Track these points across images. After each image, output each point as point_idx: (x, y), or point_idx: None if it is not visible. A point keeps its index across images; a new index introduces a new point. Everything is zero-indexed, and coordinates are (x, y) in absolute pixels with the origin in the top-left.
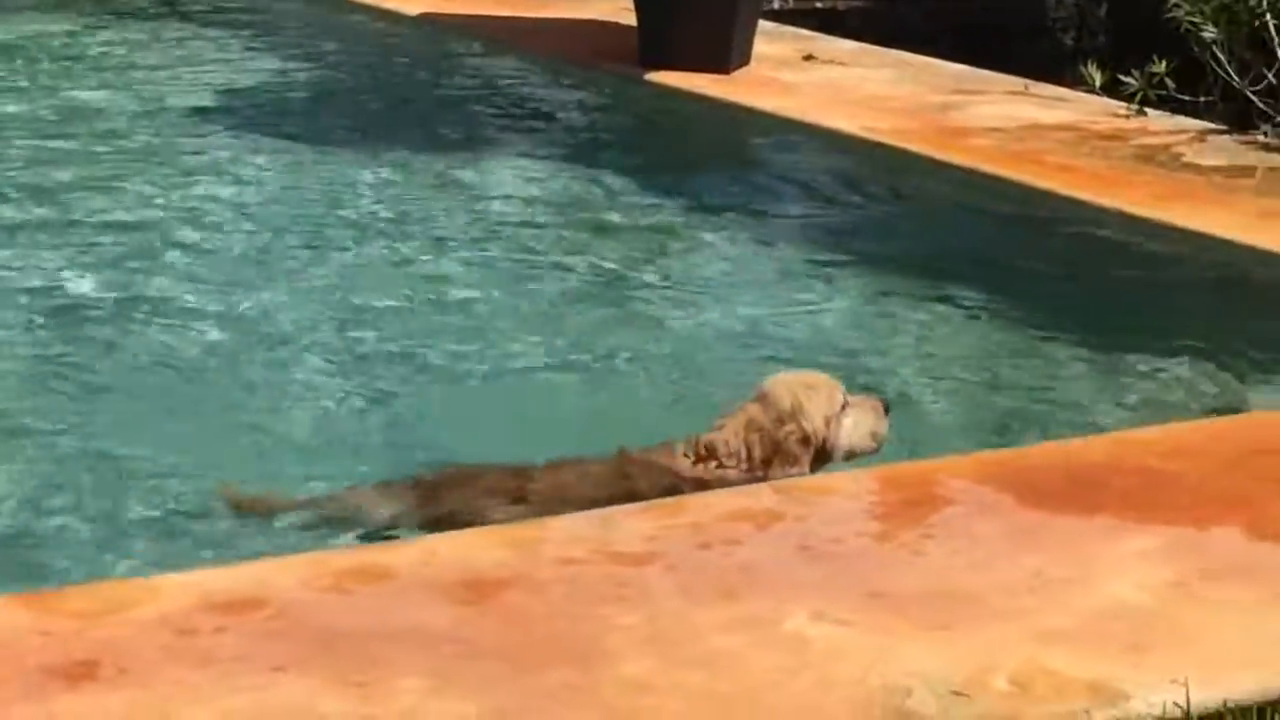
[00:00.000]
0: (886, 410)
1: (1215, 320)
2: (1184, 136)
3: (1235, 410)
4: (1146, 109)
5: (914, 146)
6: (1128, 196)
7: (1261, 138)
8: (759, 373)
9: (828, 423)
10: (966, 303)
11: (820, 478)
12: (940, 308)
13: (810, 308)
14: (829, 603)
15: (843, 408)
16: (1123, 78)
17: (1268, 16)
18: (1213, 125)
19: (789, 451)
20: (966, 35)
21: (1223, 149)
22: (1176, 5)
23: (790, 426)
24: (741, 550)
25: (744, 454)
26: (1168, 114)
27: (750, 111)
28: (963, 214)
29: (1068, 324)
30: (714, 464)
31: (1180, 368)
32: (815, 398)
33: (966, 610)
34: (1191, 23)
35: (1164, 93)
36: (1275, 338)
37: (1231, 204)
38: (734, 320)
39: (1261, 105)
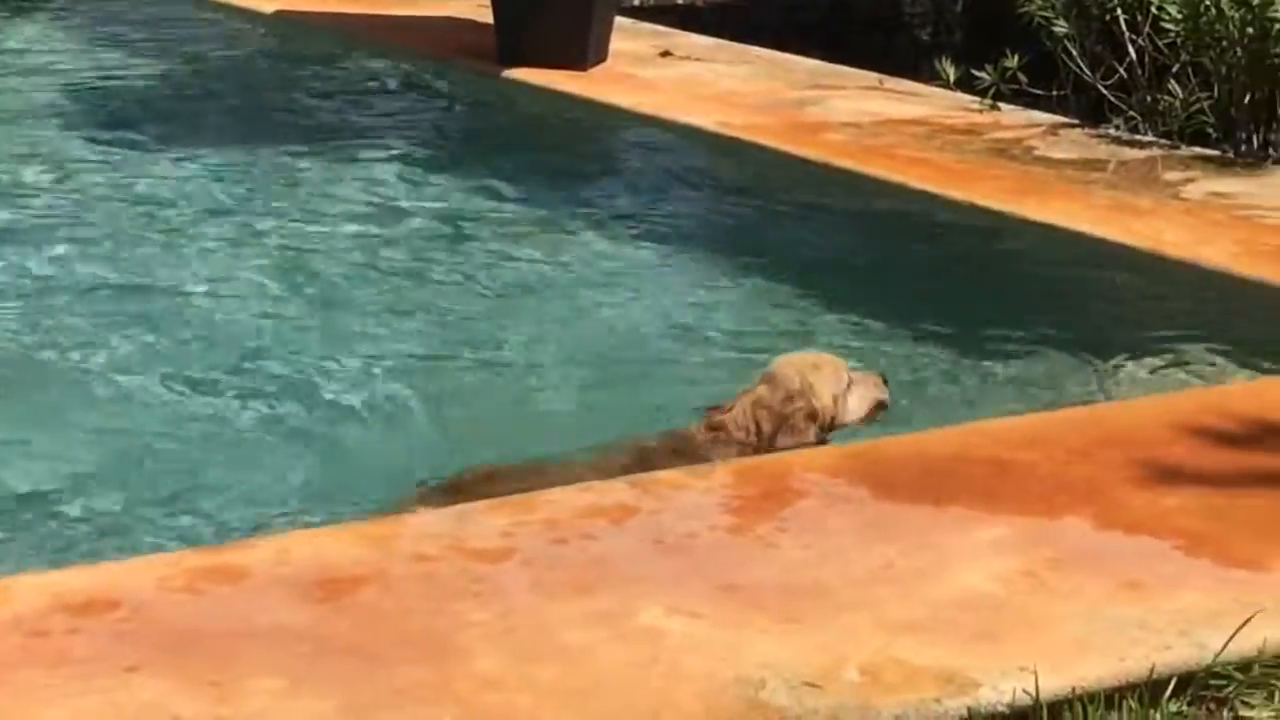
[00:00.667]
0: (885, 383)
1: (1067, 312)
2: (1036, 130)
3: (1086, 401)
4: (999, 103)
5: (769, 141)
6: (980, 190)
7: (1113, 131)
8: (617, 363)
9: (835, 400)
10: (819, 297)
11: (675, 473)
12: (793, 301)
13: (667, 300)
14: (682, 596)
15: (848, 385)
16: (976, 72)
17: (1118, 11)
18: (1065, 119)
19: (795, 426)
20: (824, 31)
21: (1075, 142)
22: (1028, 0)
23: (798, 404)
24: (596, 545)
25: (752, 429)
26: (1021, 108)
27: (607, 108)
28: (817, 208)
29: (921, 316)
30: (722, 436)
31: (1032, 359)
32: (822, 377)
33: (819, 602)
34: (1043, 17)
35: (1017, 87)
36: (1125, 328)
37: (1083, 197)
38: (587, 313)
39: (1113, 99)
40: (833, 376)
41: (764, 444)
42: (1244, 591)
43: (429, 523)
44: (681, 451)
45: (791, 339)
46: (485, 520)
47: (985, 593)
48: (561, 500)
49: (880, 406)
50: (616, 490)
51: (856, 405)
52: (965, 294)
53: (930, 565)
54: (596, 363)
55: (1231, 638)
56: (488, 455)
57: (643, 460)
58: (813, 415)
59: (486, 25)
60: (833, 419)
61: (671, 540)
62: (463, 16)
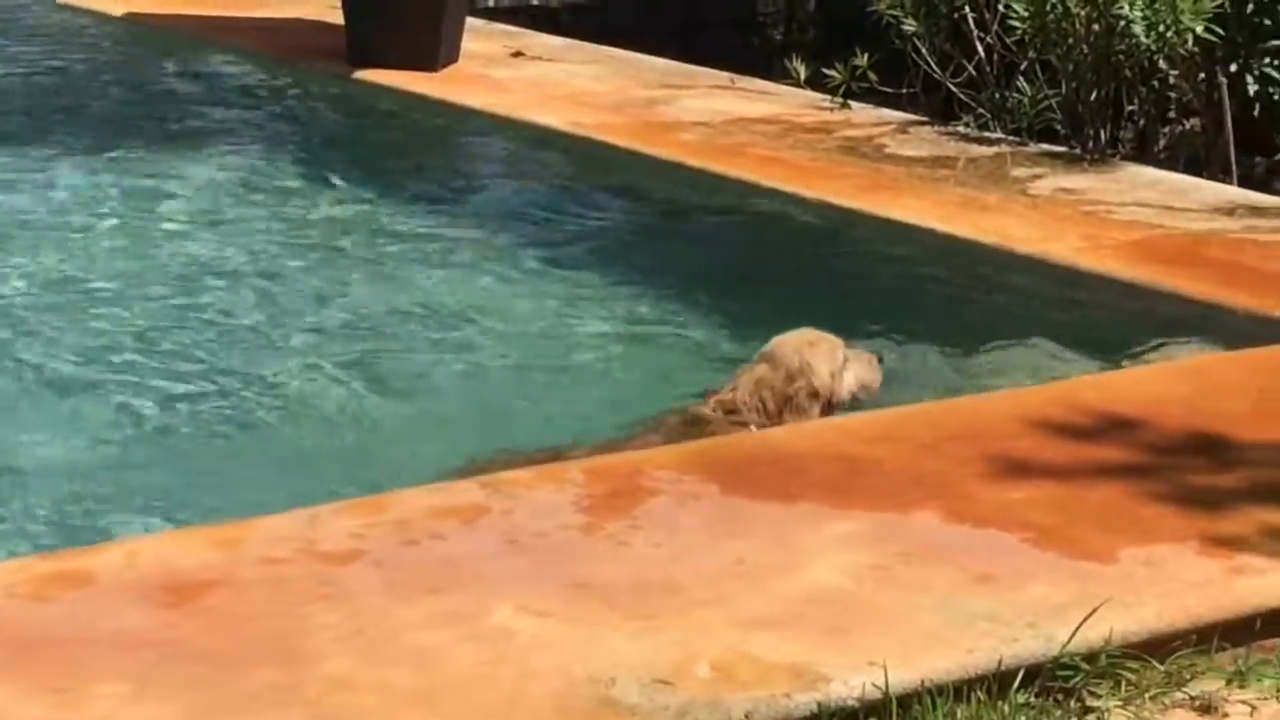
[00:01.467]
0: (880, 361)
1: (917, 308)
2: (887, 128)
3: (936, 395)
4: (850, 102)
5: (620, 141)
6: (831, 188)
7: (962, 128)
8: (466, 361)
9: (832, 376)
10: (670, 297)
11: (526, 472)
12: (645, 301)
13: (514, 300)
14: (533, 595)
15: (844, 362)
16: (827, 71)
17: (966, 9)
18: (915, 117)
19: (799, 405)
20: (677, 30)
21: (925, 140)
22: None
23: (800, 383)
24: (446, 545)
25: (759, 409)
26: (872, 106)
27: (458, 109)
28: (669, 207)
29: (773, 314)
30: (735, 416)
31: (884, 353)
32: (819, 355)
33: (670, 599)
34: (893, 16)
35: (867, 85)
36: (974, 323)
37: (932, 193)
38: (443, 311)
39: (963, 96)
40: (829, 354)
41: (772, 422)
42: (1090, 583)
43: (278, 525)
44: (702, 431)
45: (645, 338)
46: (335, 522)
47: (836, 587)
48: (412, 501)
49: (871, 388)
50: (467, 490)
51: (852, 381)
52: (816, 291)
53: (781, 561)
54: (453, 369)
55: (1078, 629)
56: (333, 462)
57: (668, 442)
58: (814, 394)
59: (337, 27)
60: (831, 395)
61: (523, 539)
62: (313, 18)
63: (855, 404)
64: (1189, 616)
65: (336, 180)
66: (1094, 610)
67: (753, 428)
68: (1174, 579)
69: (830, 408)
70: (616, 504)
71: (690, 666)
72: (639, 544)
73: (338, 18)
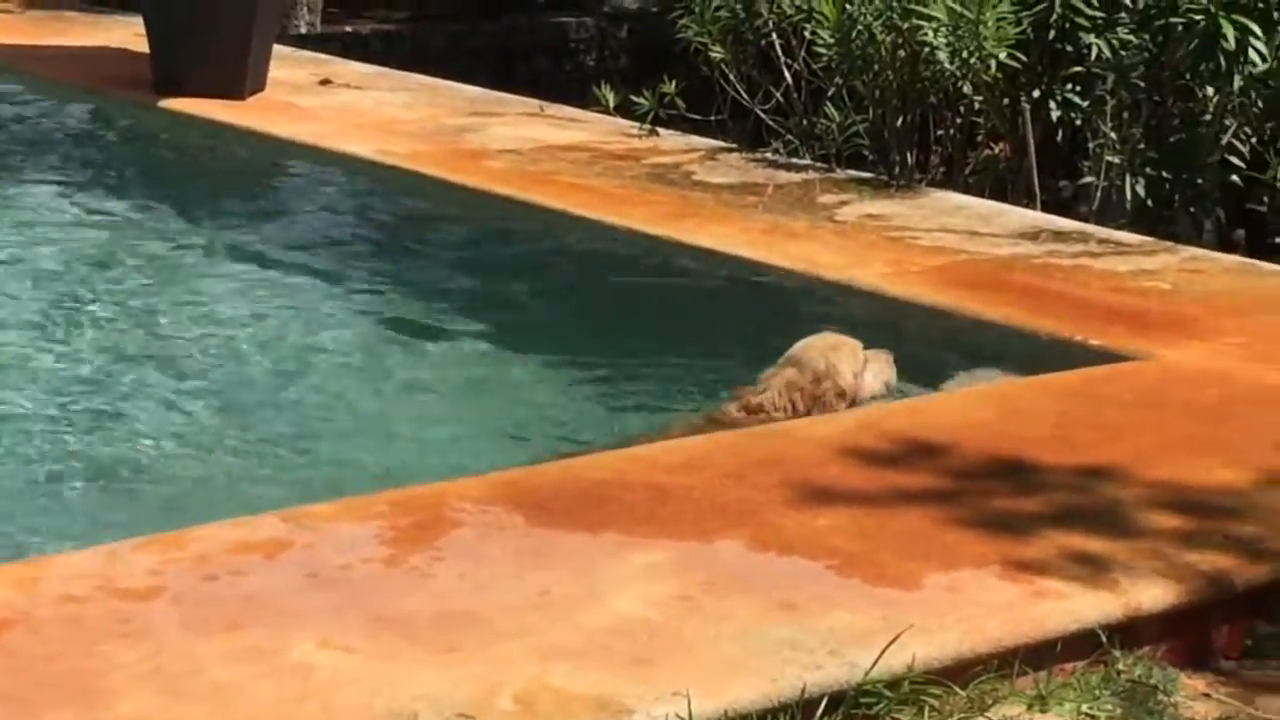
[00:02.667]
0: (895, 361)
1: (724, 335)
2: (695, 155)
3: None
4: (659, 129)
5: (428, 169)
6: (639, 215)
7: (771, 155)
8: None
9: (855, 376)
10: (480, 325)
11: (329, 505)
12: (452, 330)
13: (319, 331)
14: (335, 629)
15: (864, 363)
16: (635, 98)
17: (773, 36)
18: (724, 143)
19: (828, 405)
20: (490, 57)
21: (733, 166)
22: (685, 26)
23: (827, 384)
24: (248, 580)
25: (789, 409)
26: (681, 133)
27: (264, 137)
28: (477, 236)
29: (581, 343)
30: (764, 416)
31: (690, 382)
32: (843, 357)
33: (473, 631)
34: (700, 43)
35: (675, 112)
36: (783, 350)
37: (740, 220)
38: (250, 345)
39: (771, 123)
40: (851, 355)
41: (798, 417)
42: (893, 609)
43: (76, 562)
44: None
45: (457, 369)
46: (134, 558)
47: (640, 618)
48: (213, 536)
49: (889, 386)
50: (268, 525)
51: (872, 381)
52: (625, 318)
53: (585, 591)
54: (258, 399)
55: (881, 655)
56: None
57: None
58: (841, 393)
59: (143, 55)
60: (855, 394)
61: (325, 573)
62: (119, 46)
63: (879, 400)
64: (991, 641)
65: (136, 209)
66: (897, 636)
67: None
68: (976, 604)
69: (851, 406)
70: (420, 536)
71: (493, 699)
72: (442, 576)
73: (143, 45)
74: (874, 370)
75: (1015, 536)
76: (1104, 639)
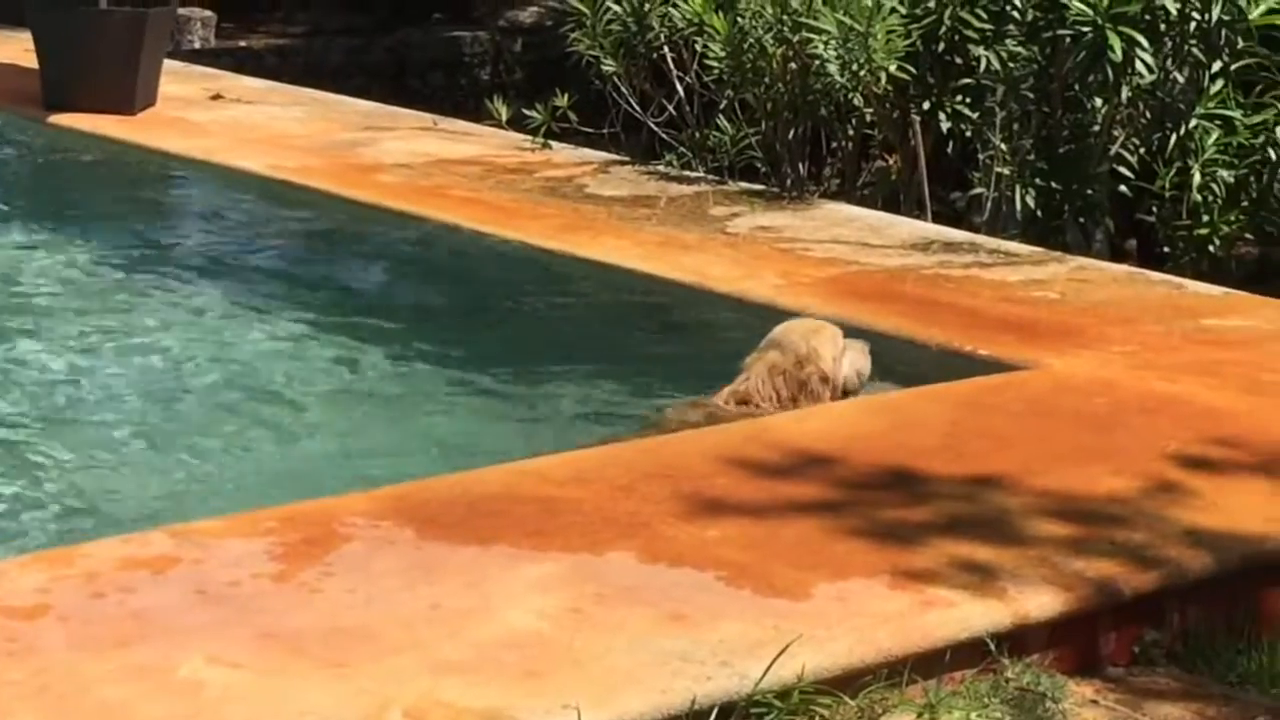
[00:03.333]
0: (869, 350)
1: (617, 347)
2: (588, 168)
3: (634, 435)
4: (552, 142)
5: (320, 184)
6: (532, 228)
7: (663, 168)
8: (187, 413)
9: (834, 361)
10: (374, 338)
11: (218, 521)
12: (349, 344)
13: (206, 346)
14: (224, 646)
15: (842, 350)
16: (528, 111)
17: (665, 49)
18: (617, 157)
19: (813, 390)
20: (385, 72)
21: (626, 179)
22: (577, 40)
23: (810, 368)
24: (136, 598)
25: (774, 396)
26: (574, 147)
27: (155, 152)
28: (370, 250)
29: (475, 356)
30: (753, 406)
31: (583, 394)
32: (824, 340)
33: (363, 647)
34: (593, 57)
35: (568, 125)
36: (674, 361)
37: (632, 233)
38: (136, 358)
39: (664, 136)
40: (831, 340)
41: (785, 408)
42: (783, 620)
43: None
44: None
45: (342, 380)
46: (21, 576)
47: (531, 630)
48: (101, 553)
49: (863, 375)
50: (157, 541)
51: (848, 368)
52: (518, 332)
53: (476, 605)
54: (145, 414)
55: (770, 666)
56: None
57: None
58: (825, 378)
59: (33, 70)
60: (836, 383)
61: (213, 590)
62: (7, 62)
63: (851, 390)
64: (880, 651)
65: (22, 226)
66: (786, 647)
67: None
68: (865, 613)
69: (835, 393)
70: (310, 551)
71: (383, 715)
72: (332, 591)
73: (31, 61)
74: (850, 358)
75: (904, 546)
76: (993, 647)
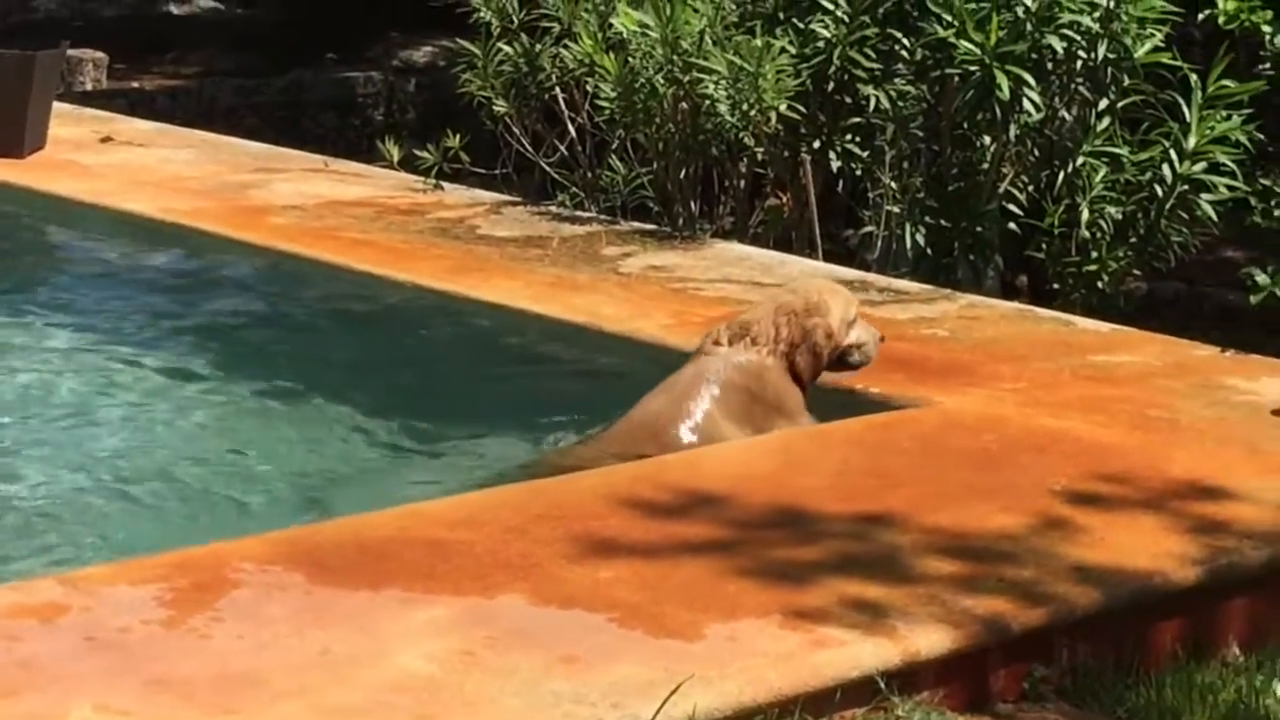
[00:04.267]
0: (881, 339)
1: (510, 389)
2: (480, 209)
3: (526, 477)
4: (444, 183)
5: (212, 227)
6: (423, 270)
7: (556, 208)
8: (30, 453)
9: (843, 324)
10: (266, 383)
11: (107, 568)
12: (238, 389)
13: (107, 396)
14: (113, 694)
15: (855, 318)
16: (419, 152)
17: (557, 90)
18: (509, 197)
19: (816, 344)
20: (277, 113)
21: (518, 220)
22: (469, 81)
23: (817, 320)
24: (23, 646)
25: (773, 335)
26: (467, 188)
27: (46, 196)
28: (261, 293)
29: (366, 398)
30: (748, 341)
31: (475, 436)
32: (837, 299)
33: (253, 692)
34: (484, 98)
35: (460, 166)
36: (566, 403)
37: (525, 274)
38: (22, 403)
39: (556, 176)
40: (845, 303)
41: (779, 352)
42: (675, 660)
43: None
44: (759, 375)
45: (235, 422)
46: None
47: (423, 675)
48: None
49: (871, 353)
50: (45, 588)
51: (854, 337)
52: (409, 374)
53: (367, 649)
54: (29, 459)
55: (662, 706)
56: None
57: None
58: (830, 334)
59: None
60: (838, 345)
61: (102, 637)
62: None
63: (851, 365)
64: (771, 690)
65: None
66: (678, 687)
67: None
68: (757, 653)
69: (836, 363)
70: (200, 598)
71: None
72: (221, 637)
73: None
74: (859, 330)
75: (795, 585)
76: (883, 685)
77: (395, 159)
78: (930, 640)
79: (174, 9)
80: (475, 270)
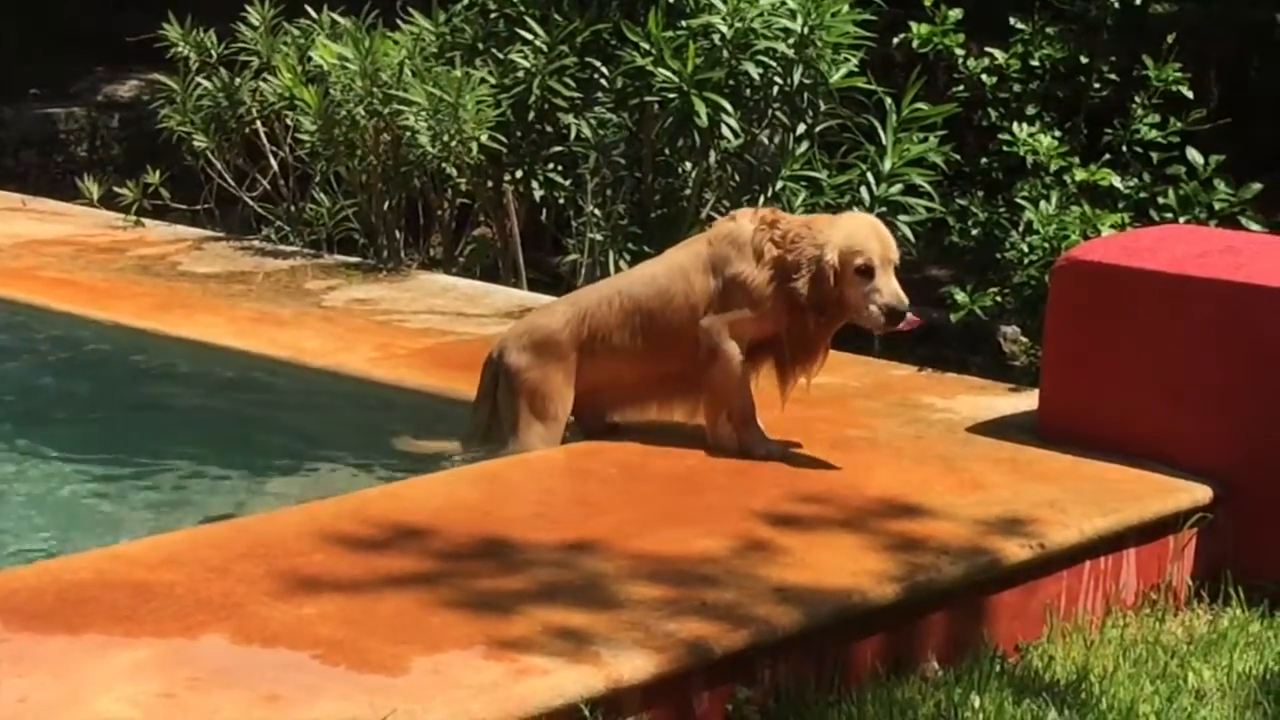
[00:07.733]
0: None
1: (212, 427)
2: (182, 245)
3: (228, 515)
4: (145, 220)
5: None
6: (124, 308)
7: (259, 242)
8: None
9: (847, 253)
10: None
11: None
12: None
13: None
14: None
15: (894, 273)
16: (119, 189)
17: (258, 124)
18: (211, 233)
19: (801, 248)
20: None
21: (220, 255)
22: (168, 116)
23: (825, 234)
24: None
25: (784, 228)
26: (168, 224)
27: None
28: None
29: (64, 441)
30: (776, 234)
31: (179, 477)
32: (860, 232)
33: None
34: (184, 132)
35: (161, 203)
36: (269, 439)
37: (227, 310)
38: None
39: (260, 210)
40: (865, 238)
41: (774, 240)
42: (379, 695)
43: None
44: (736, 242)
45: None
46: None
47: (123, 719)
48: None
49: (899, 313)
50: None
51: (889, 293)
52: (109, 415)
53: (66, 695)
54: None
55: None
56: None
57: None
58: (818, 248)
59: None
60: (825, 268)
61: None
62: None
63: (873, 321)
64: None
65: None
66: None
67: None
68: (461, 685)
69: (838, 307)
70: None
71: None
72: None
73: None
74: (874, 281)
75: (500, 616)
76: (587, 713)
77: (95, 196)
78: (634, 665)
79: None
80: (177, 307)
